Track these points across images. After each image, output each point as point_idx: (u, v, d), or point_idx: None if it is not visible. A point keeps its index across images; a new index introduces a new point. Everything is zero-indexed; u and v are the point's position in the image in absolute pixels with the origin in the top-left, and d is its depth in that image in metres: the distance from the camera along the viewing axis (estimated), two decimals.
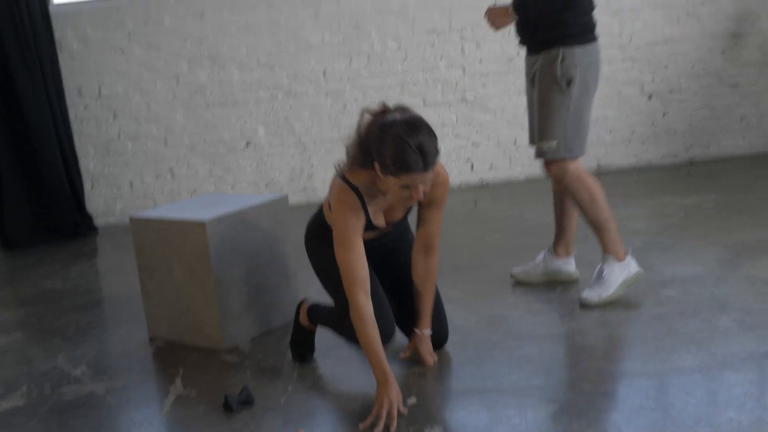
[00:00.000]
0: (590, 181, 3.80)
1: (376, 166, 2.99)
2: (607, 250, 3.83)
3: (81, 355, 3.95)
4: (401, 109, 3.03)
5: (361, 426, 2.89)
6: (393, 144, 2.90)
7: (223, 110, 6.66)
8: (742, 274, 4.02)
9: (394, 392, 2.94)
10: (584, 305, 3.82)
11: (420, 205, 3.28)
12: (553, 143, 3.75)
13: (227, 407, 3.21)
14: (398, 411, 2.91)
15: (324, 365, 3.55)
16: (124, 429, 3.18)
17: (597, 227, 3.81)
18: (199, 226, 3.80)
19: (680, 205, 5.43)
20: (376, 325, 3.02)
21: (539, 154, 3.84)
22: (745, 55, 6.61)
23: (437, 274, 3.37)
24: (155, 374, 3.68)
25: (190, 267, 3.87)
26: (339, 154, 6.47)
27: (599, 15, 3.96)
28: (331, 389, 3.31)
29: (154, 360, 3.85)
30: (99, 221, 6.87)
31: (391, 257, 3.45)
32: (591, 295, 3.80)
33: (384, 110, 3.04)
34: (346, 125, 6.51)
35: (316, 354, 3.64)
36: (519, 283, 4.23)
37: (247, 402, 3.24)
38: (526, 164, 6.68)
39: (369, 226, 3.16)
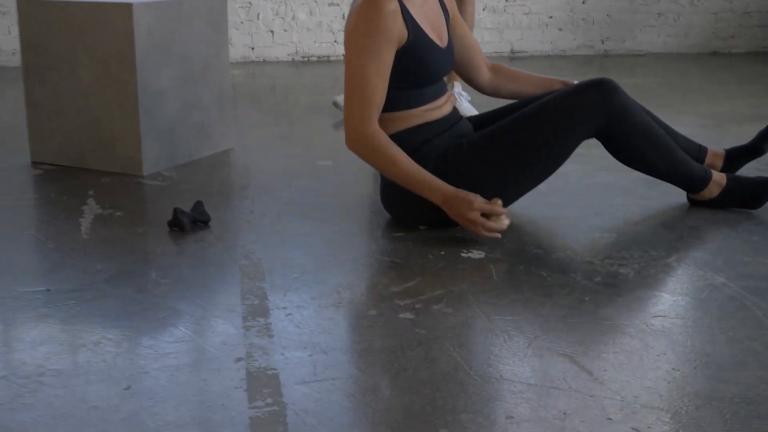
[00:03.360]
0: None
1: None
2: None
3: None
4: None
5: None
6: None
7: None
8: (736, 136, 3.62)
9: (466, 205, 2.29)
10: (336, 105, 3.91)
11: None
12: None
13: (177, 224, 2.44)
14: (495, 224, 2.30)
15: (285, 194, 2.84)
16: (37, 264, 2.35)
17: None
18: (124, 8, 2.95)
19: None
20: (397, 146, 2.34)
21: None
22: None
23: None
24: (54, 198, 2.83)
25: (105, 66, 3.02)
26: None
27: None
28: (304, 211, 2.61)
29: (45, 184, 2.98)
30: None
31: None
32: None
33: None
34: None
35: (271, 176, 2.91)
36: None
37: (201, 220, 2.49)
38: None
39: (421, 43, 2.36)
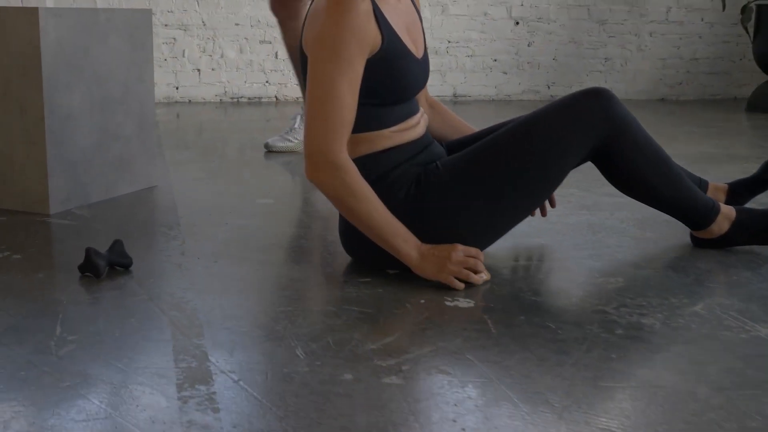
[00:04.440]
0: None
1: None
2: None
3: None
4: None
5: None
6: None
7: None
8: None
9: (445, 260, 1.94)
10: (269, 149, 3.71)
11: None
12: None
13: (91, 268, 1.96)
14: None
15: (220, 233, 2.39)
16: None
17: None
18: (28, 14, 2.49)
19: None
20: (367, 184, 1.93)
21: None
22: None
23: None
24: None
25: (5, 82, 2.54)
26: None
27: None
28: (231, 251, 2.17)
29: None
30: None
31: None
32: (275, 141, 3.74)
33: None
34: None
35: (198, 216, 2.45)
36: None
37: (120, 264, 2.02)
38: None
39: (396, 50, 1.95)
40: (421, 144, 2.06)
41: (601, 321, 1.74)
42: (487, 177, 1.98)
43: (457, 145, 2.22)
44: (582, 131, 1.99)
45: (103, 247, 2.21)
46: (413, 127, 2.05)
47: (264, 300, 1.84)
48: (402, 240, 1.91)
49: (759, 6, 5.45)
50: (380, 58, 1.92)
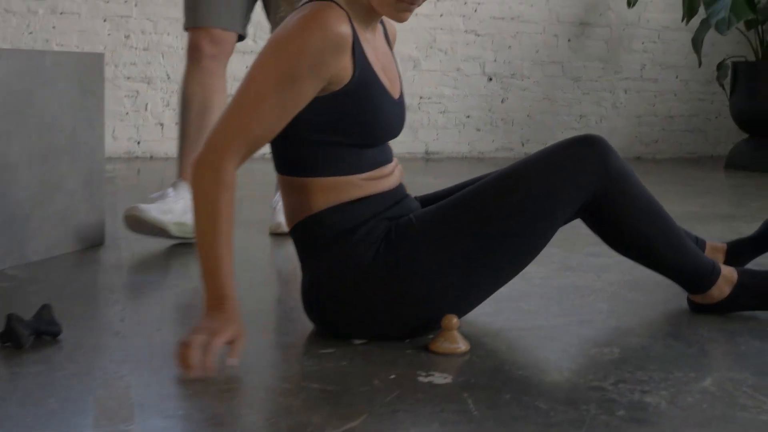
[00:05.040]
0: None
1: None
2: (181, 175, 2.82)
3: None
4: None
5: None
6: None
7: None
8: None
9: (224, 324, 1.61)
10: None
11: None
12: None
13: (11, 337, 1.71)
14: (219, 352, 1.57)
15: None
16: None
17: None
18: None
19: None
20: (231, 205, 1.69)
21: None
22: (590, 46, 5.96)
23: None
24: None
25: None
26: None
27: None
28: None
29: None
30: None
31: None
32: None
33: None
34: None
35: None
36: None
37: (48, 332, 1.76)
38: None
39: (370, 85, 1.74)
40: (395, 196, 1.84)
41: (599, 400, 1.51)
42: (467, 234, 1.76)
43: (432, 200, 2.00)
44: (575, 183, 1.78)
45: (30, 313, 1.96)
46: (386, 177, 1.83)
47: (210, 376, 1.59)
48: (217, 276, 1.63)
49: (735, 63, 5.36)
50: (352, 91, 1.71)
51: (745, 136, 6.09)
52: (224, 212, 1.65)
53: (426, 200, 2.01)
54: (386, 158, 1.84)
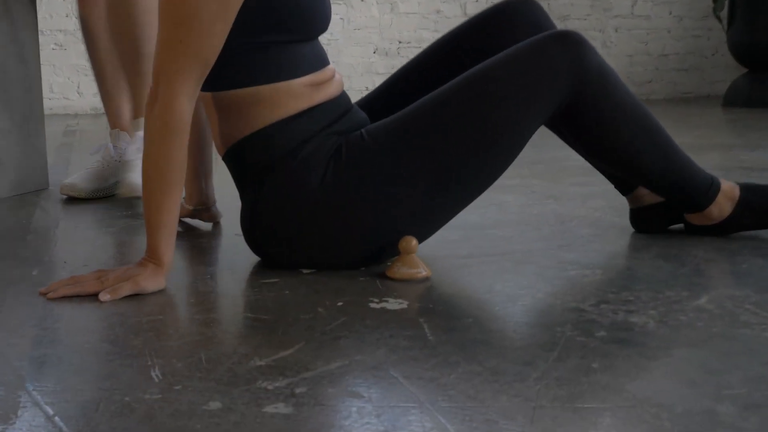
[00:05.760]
0: None
1: None
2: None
3: None
4: None
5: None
6: None
7: None
8: None
9: (145, 279, 1.46)
10: None
11: None
12: None
13: None
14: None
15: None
16: None
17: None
18: None
19: None
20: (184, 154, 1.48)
21: None
22: None
23: None
24: None
25: None
26: None
27: None
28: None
29: None
30: None
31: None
32: None
33: None
34: None
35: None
36: None
37: None
38: None
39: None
40: (339, 106, 1.62)
41: (576, 321, 1.31)
42: (429, 149, 1.54)
43: (383, 108, 1.77)
44: (548, 85, 1.56)
45: None
46: (328, 82, 1.61)
47: (131, 307, 1.38)
48: (159, 238, 1.47)
49: None
50: None
51: (743, 71, 5.84)
52: (174, 158, 1.46)
53: (367, 102, 1.79)
54: (323, 59, 1.61)
